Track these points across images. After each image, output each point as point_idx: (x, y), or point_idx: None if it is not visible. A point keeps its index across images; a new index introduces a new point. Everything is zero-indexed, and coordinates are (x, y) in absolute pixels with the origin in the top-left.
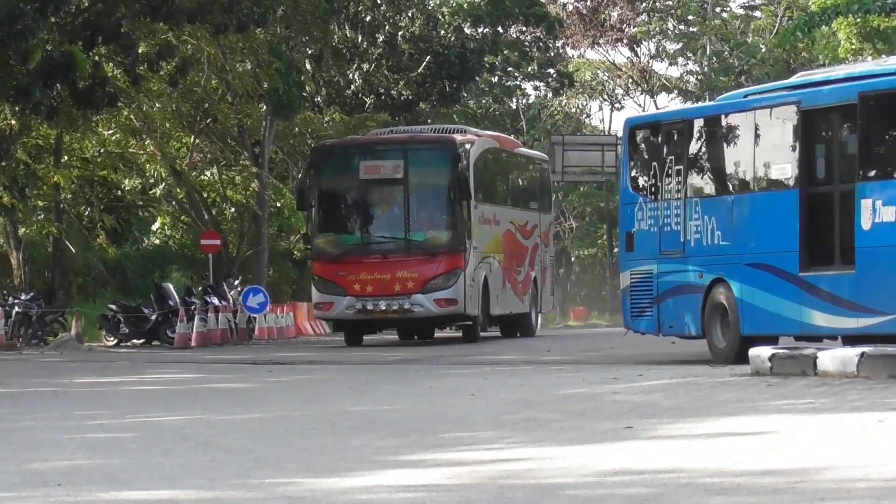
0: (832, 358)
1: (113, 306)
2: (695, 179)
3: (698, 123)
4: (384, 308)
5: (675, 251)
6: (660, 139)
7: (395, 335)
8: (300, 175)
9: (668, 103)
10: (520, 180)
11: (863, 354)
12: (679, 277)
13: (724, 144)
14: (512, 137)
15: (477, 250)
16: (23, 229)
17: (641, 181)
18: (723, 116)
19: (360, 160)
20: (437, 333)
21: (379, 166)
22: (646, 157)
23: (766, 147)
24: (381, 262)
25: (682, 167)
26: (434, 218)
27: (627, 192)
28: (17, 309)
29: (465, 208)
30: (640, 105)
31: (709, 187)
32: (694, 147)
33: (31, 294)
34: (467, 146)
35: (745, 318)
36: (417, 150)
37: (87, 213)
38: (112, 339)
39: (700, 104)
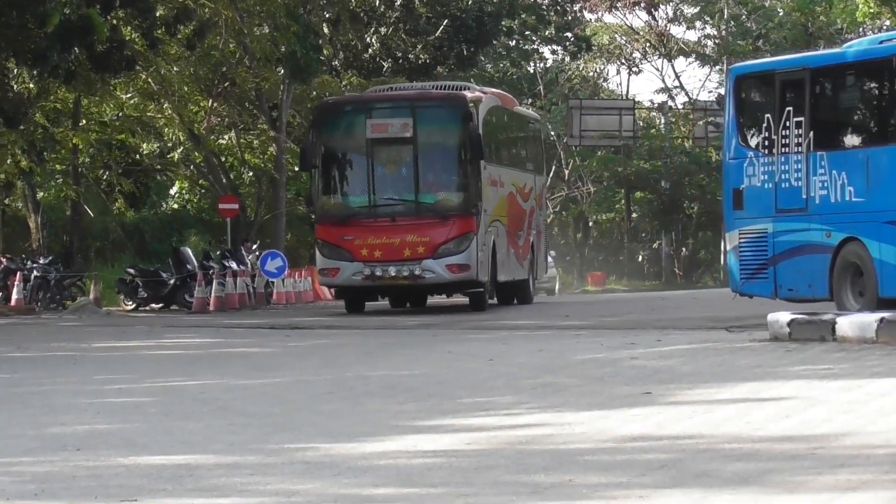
0: (851, 323)
1: (131, 270)
2: (820, 132)
3: (823, 72)
4: (394, 274)
5: (795, 208)
6: (775, 89)
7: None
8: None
9: (686, 67)
10: (519, 140)
11: (882, 320)
12: (800, 237)
13: (857, 94)
14: (510, 95)
15: (486, 213)
16: (41, 193)
17: (752, 134)
18: (854, 64)
19: (366, 118)
20: (431, 300)
21: (387, 124)
22: (757, 108)
23: None
24: (390, 225)
25: (802, 119)
26: (445, 179)
27: (735, 146)
28: (35, 273)
29: (476, 169)
30: (657, 69)
31: (838, 140)
32: (818, 97)
33: (50, 258)
34: (477, 103)
35: (883, 279)
36: (427, 108)
37: (105, 176)
38: (130, 303)
39: (821, 52)
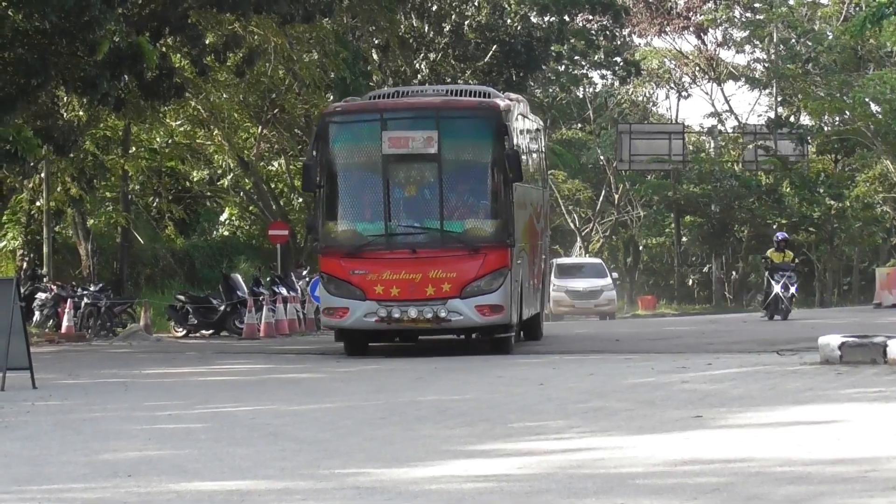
0: None
1: (181, 297)
2: None
3: None
4: (414, 316)
5: None
6: None
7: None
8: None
9: (736, 91)
10: (535, 152)
11: None
12: None
13: None
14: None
15: (519, 243)
16: (91, 220)
17: None
18: None
19: (382, 130)
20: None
21: (407, 138)
22: None
23: None
24: (410, 258)
25: None
26: (475, 204)
27: None
28: (85, 300)
29: (510, 192)
30: (706, 93)
31: None
32: None
33: (100, 285)
34: (509, 112)
35: None
36: (455, 119)
37: (155, 203)
38: (181, 329)
39: None
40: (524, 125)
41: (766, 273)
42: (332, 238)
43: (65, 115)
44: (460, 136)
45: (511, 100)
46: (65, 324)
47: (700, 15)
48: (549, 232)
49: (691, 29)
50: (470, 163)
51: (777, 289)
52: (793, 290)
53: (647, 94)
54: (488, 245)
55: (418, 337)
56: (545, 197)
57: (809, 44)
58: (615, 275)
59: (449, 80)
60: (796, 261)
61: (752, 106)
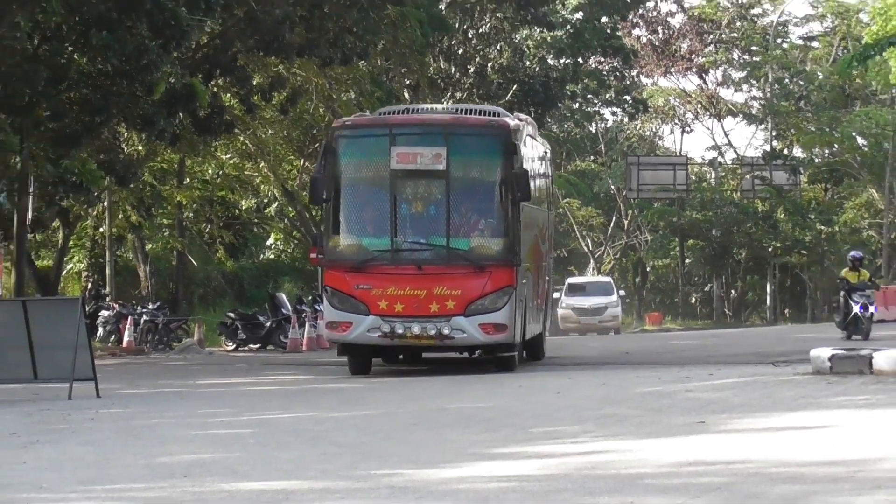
0: (886, 358)
1: (231, 314)
2: None
3: None
4: (417, 332)
5: None
6: None
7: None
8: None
9: (734, 126)
10: (541, 174)
11: None
12: None
13: None
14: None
15: (524, 262)
16: (149, 245)
17: None
18: None
19: (391, 145)
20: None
21: (416, 154)
22: None
23: None
24: (416, 274)
25: None
26: (482, 222)
27: None
28: (144, 317)
29: (517, 211)
30: (707, 128)
31: None
32: None
33: (158, 304)
34: (519, 132)
35: None
36: (464, 136)
37: (207, 229)
38: (231, 344)
39: None
40: (532, 147)
41: (843, 293)
42: (337, 252)
43: (125, 149)
44: (469, 154)
45: (520, 120)
46: (126, 339)
47: (701, 57)
48: (553, 254)
49: (694, 70)
50: (478, 180)
51: (856, 309)
52: (872, 309)
53: (654, 129)
54: (494, 263)
55: (422, 355)
56: (551, 219)
57: (801, 83)
58: (622, 292)
59: None
60: (873, 279)
61: (749, 140)
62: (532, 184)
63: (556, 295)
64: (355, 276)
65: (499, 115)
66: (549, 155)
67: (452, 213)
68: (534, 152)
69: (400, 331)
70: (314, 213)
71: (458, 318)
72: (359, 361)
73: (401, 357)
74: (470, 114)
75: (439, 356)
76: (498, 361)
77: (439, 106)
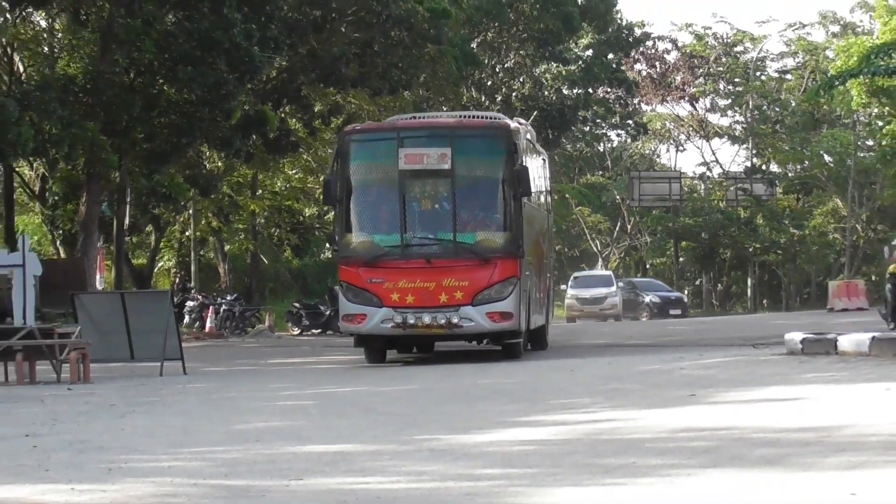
0: (849, 341)
1: (296, 304)
2: None
3: None
4: (428, 322)
5: None
6: None
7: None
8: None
9: (720, 146)
10: (539, 176)
11: (873, 338)
12: None
13: None
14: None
15: (527, 255)
16: (227, 246)
17: None
18: None
19: (399, 147)
20: (438, 345)
21: (422, 155)
22: None
23: None
24: (425, 267)
25: None
26: (486, 217)
27: None
28: (223, 307)
29: (519, 206)
30: (698, 148)
31: None
32: None
33: (235, 295)
34: (518, 134)
35: None
36: (467, 138)
37: (276, 233)
38: (296, 329)
39: None
40: (532, 152)
41: (889, 287)
42: (350, 249)
43: (207, 165)
44: (472, 154)
45: (520, 124)
46: (208, 325)
47: (693, 87)
48: (553, 254)
49: (686, 98)
50: (481, 178)
51: None
52: None
53: (652, 149)
54: (499, 255)
55: (434, 344)
56: (550, 221)
57: (777, 109)
58: (621, 284)
59: None
60: None
61: (732, 157)
62: (532, 184)
63: (562, 287)
64: (368, 271)
65: (497, 118)
66: (546, 162)
67: (458, 209)
68: (533, 156)
69: (411, 321)
70: None
71: (466, 307)
72: (374, 352)
73: (414, 350)
74: (472, 119)
75: (451, 347)
76: (505, 349)
77: (444, 113)
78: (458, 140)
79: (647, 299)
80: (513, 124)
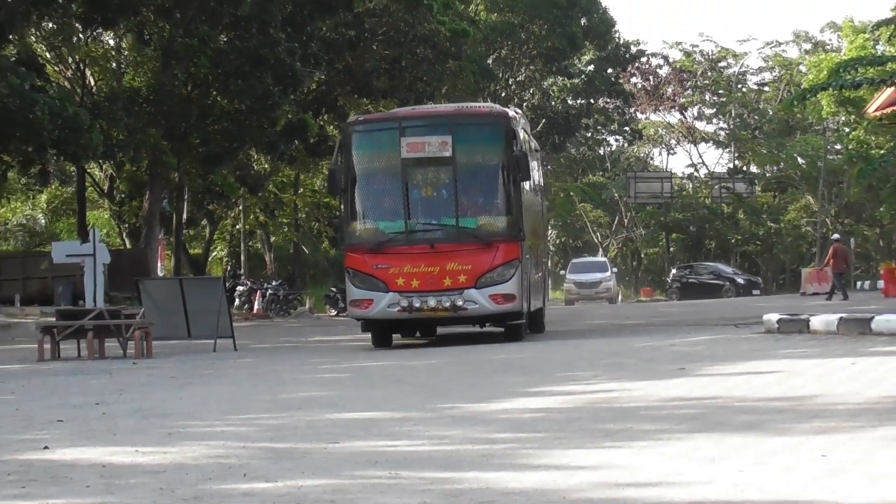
0: (819, 321)
1: (333, 289)
2: None
3: None
4: (433, 305)
5: None
6: None
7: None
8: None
9: (706, 150)
10: (535, 164)
11: (841, 318)
12: None
13: None
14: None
15: (527, 239)
16: (273, 238)
17: None
18: None
19: (400, 137)
20: (441, 330)
21: (423, 143)
22: None
23: None
24: (429, 252)
25: None
26: (487, 202)
27: None
28: (269, 291)
29: (519, 191)
30: (686, 151)
31: None
32: None
33: (279, 281)
34: (517, 120)
35: None
36: (467, 125)
37: (315, 226)
38: (333, 311)
39: None
40: (527, 139)
41: None
42: (356, 236)
43: (255, 167)
44: (472, 140)
45: (517, 113)
46: (255, 307)
47: (682, 98)
48: (547, 240)
49: (676, 108)
50: (481, 164)
51: None
52: None
53: (646, 152)
54: (500, 239)
55: (437, 329)
56: (544, 209)
57: (756, 117)
58: (615, 269)
59: None
60: None
61: (717, 159)
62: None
63: (561, 272)
64: (374, 257)
65: (497, 108)
66: (538, 151)
67: (460, 195)
68: (529, 144)
69: (417, 304)
70: None
71: (469, 290)
72: (380, 336)
73: (417, 335)
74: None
75: (452, 331)
76: (507, 331)
77: (442, 105)
78: (458, 128)
79: (737, 280)
80: (510, 111)
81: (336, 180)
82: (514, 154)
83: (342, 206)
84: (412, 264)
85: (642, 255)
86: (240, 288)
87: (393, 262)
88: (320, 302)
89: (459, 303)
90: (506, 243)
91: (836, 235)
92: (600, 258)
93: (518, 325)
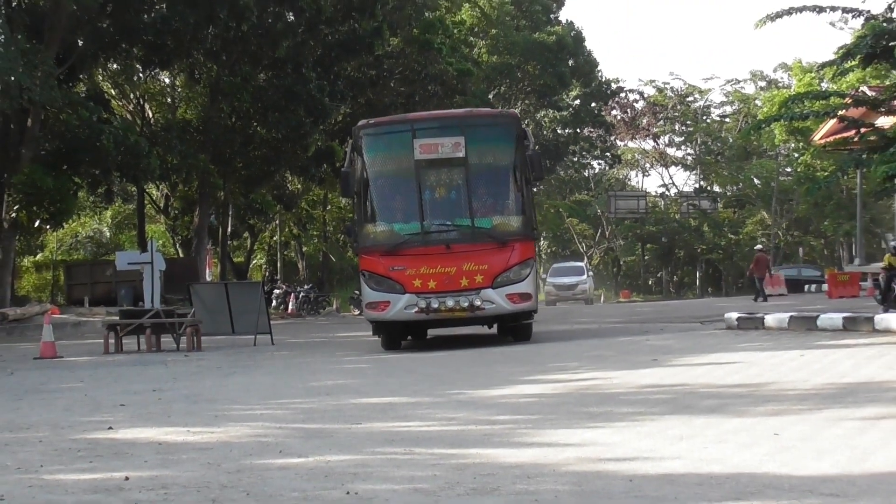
0: (773, 318)
1: (357, 291)
2: None
3: None
4: (451, 306)
5: None
6: None
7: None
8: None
9: (676, 172)
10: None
11: (791, 317)
12: None
13: None
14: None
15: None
16: (305, 248)
17: None
18: None
19: (413, 138)
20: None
21: (437, 144)
22: None
23: None
24: (445, 253)
25: None
26: (501, 202)
27: None
28: (301, 293)
29: (531, 190)
30: (659, 173)
31: None
32: None
33: (311, 285)
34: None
35: None
36: (479, 127)
37: (342, 238)
38: (356, 311)
39: None
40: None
41: (884, 274)
42: (371, 238)
43: (289, 187)
44: (484, 141)
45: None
46: (290, 307)
47: (655, 128)
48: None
49: (650, 136)
50: (494, 164)
51: None
52: None
53: (625, 174)
54: (516, 238)
55: (427, 332)
56: (535, 210)
57: (719, 144)
58: (591, 273)
59: None
60: None
61: (685, 181)
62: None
63: (542, 276)
64: (390, 259)
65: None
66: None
67: (474, 195)
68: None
69: (435, 305)
70: None
71: (486, 290)
72: (392, 338)
73: (427, 337)
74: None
75: (447, 333)
76: (516, 331)
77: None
78: (470, 129)
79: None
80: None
81: (349, 183)
82: (527, 153)
83: (355, 209)
84: (428, 265)
85: (621, 263)
86: (276, 291)
87: (409, 263)
88: (345, 303)
89: (477, 303)
90: (521, 242)
91: (759, 246)
92: (578, 263)
93: (528, 325)
